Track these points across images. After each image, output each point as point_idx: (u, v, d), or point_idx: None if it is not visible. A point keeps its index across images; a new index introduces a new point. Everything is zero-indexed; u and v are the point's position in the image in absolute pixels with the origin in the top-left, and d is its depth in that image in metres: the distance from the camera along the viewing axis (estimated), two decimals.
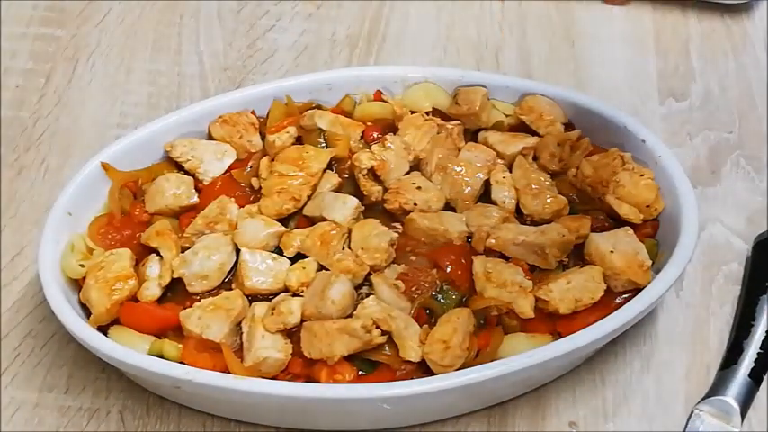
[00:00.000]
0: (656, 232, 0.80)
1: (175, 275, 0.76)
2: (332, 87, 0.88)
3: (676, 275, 0.75)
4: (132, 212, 0.81)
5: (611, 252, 0.76)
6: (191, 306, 0.75)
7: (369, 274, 0.76)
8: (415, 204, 0.79)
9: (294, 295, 0.75)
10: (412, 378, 0.72)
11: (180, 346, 0.73)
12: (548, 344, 0.72)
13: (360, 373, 0.72)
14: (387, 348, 0.72)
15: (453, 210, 0.80)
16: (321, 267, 0.76)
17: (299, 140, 0.84)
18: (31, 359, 0.80)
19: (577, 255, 0.77)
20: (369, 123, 0.86)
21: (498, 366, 0.71)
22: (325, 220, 0.78)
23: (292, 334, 0.73)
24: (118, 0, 1.05)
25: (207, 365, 0.72)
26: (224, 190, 0.81)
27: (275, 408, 0.74)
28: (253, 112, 0.86)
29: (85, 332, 0.73)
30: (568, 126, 0.86)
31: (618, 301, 0.75)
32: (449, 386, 0.70)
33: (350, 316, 0.73)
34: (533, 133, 0.85)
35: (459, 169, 0.81)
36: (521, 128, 0.85)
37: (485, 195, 0.81)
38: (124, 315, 0.75)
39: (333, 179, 0.81)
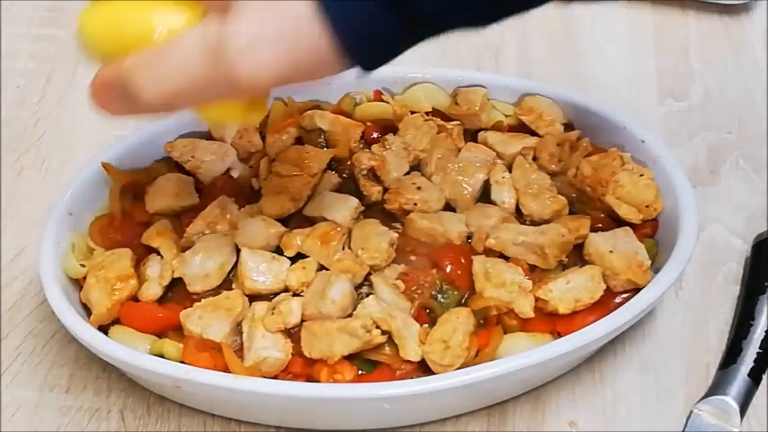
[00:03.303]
0: (655, 232, 0.80)
1: (176, 275, 0.76)
2: (332, 87, 0.88)
3: (675, 275, 0.75)
4: (133, 212, 0.81)
5: (611, 252, 0.76)
6: (191, 306, 0.75)
7: (369, 274, 0.76)
8: (415, 204, 0.79)
9: (294, 295, 0.75)
10: (412, 378, 0.72)
11: (180, 345, 0.73)
12: (547, 343, 0.73)
13: (360, 372, 0.72)
14: (387, 348, 0.73)
15: (453, 210, 0.80)
16: (321, 267, 0.76)
17: (299, 141, 0.84)
18: (32, 359, 0.80)
19: (577, 255, 0.77)
20: (369, 123, 0.86)
21: (498, 366, 0.71)
22: (325, 220, 0.78)
23: (293, 334, 0.73)
24: None
25: (207, 365, 0.72)
26: (224, 190, 0.81)
27: (276, 407, 0.74)
28: None
29: (86, 332, 0.73)
30: (568, 126, 0.86)
31: (617, 300, 0.75)
32: (449, 386, 0.70)
33: (350, 316, 0.73)
34: (533, 133, 0.85)
35: (458, 169, 0.81)
36: (520, 128, 0.86)
37: (484, 195, 0.81)
38: (125, 315, 0.75)
39: (333, 179, 0.81)
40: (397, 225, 0.79)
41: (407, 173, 0.82)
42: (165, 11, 0.63)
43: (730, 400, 0.75)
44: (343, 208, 0.78)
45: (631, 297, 0.75)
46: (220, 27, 0.60)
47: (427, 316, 0.75)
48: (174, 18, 0.63)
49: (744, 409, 0.76)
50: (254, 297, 0.75)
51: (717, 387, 0.77)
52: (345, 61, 0.61)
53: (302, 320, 0.73)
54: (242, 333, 0.74)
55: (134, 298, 0.76)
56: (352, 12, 0.60)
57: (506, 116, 0.87)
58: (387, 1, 0.60)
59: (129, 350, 0.72)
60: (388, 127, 0.85)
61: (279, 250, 0.77)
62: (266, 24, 0.60)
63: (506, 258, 0.77)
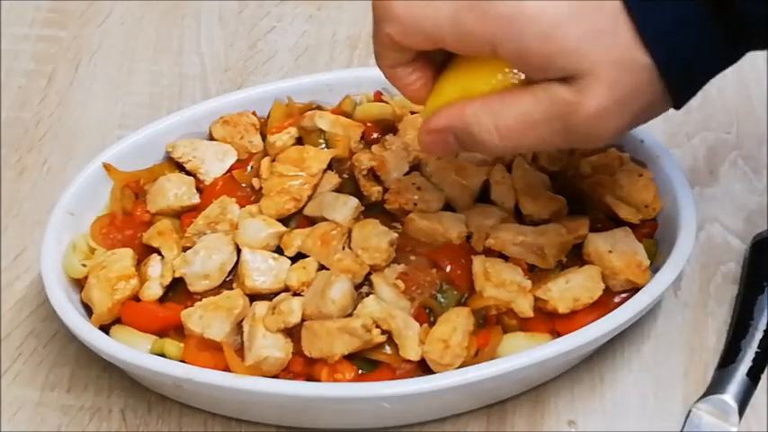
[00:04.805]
0: (654, 232, 0.80)
1: (177, 275, 0.76)
2: (332, 88, 0.88)
3: (674, 275, 0.75)
4: (134, 212, 0.81)
5: (610, 252, 0.76)
6: (192, 305, 0.75)
7: (369, 273, 0.76)
8: (415, 204, 0.79)
9: (295, 295, 0.75)
10: (412, 377, 0.72)
11: (181, 345, 0.74)
12: (546, 343, 0.73)
13: (360, 372, 0.72)
14: (387, 348, 0.73)
15: (453, 210, 0.80)
16: (321, 267, 0.76)
17: (299, 141, 0.85)
18: (34, 358, 0.80)
19: (576, 254, 0.78)
20: (369, 124, 0.86)
21: (497, 365, 0.71)
22: (325, 220, 0.78)
23: (293, 333, 0.73)
24: (120, 1, 1.05)
25: (208, 364, 0.72)
26: (225, 190, 0.82)
27: (276, 406, 0.74)
28: (254, 113, 0.87)
29: (87, 331, 0.73)
30: None
31: (616, 300, 0.75)
32: (448, 385, 0.70)
33: (350, 315, 0.73)
34: None
35: (458, 169, 0.81)
36: None
37: (484, 195, 0.81)
38: (126, 314, 0.75)
39: (333, 179, 0.81)
40: (397, 225, 0.79)
41: (407, 173, 0.82)
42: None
43: (729, 399, 0.76)
44: (344, 208, 0.79)
45: (630, 297, 0.75)
46: (569, 96, 0.62)
47: (427, 315, 0.75)
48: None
49: (742, 408, 0.76)
50: (254, 297, 0.75)
51: (715, 386, 0.77)
52: (668, 100, 0.65)
53: (302, 320, 0.73)
54: (242, 332, 0.74)
55: (135, 297, 0.76)
56: (680, 44, 0.62)
57: None
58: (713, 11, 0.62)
59: (130, 350, 0.72)
60: (388, 127, 0.85)
61: (279, 250, 0.78)
62: (613, 93, 0.62)
63: (506, 258, 0.77)
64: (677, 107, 0.66)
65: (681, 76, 0.64)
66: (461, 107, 0.66)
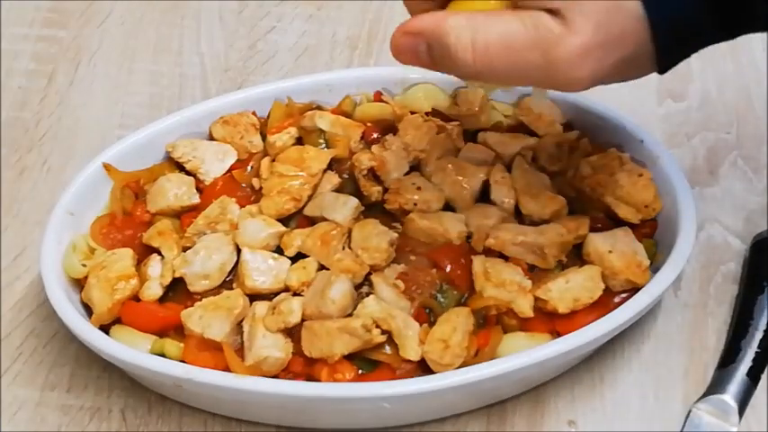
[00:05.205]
0: (654, 232, 0.80)
1: (177, 275, 0.76)
2: (332, 88, 0.88)
3: (674, 275, 0.75)
4: (134, 212, 0.81)
5: (610, 252, 0.76)
6: (192, 305, 0.75)
7: (369, 273, 0.76)
8: (415, 204, 0.79)
9: (295, 295, 0.75)
10: (412, 377, 0.72)
11: (181, 345, 0.74)
12: (546, 343, 0.73)
13: (360, 372, 0.72)
14: (387, 348, 0.73)
15: (453, 210, 0.80)
16: (321, 267, 0.76)
17: (299, 141, 0.85)
18: (34, 358, 0.80)
19: (576, 254, 0.78)
20: (369, 124, 0.86)
21: (497, 365, 0.71)
22: (325, 220, 0.78)
23: (293, 333, 0.73)
24: (120, 1, 1.05)
25: (208, 364, 0.72)
26: (225, 190, 0.82)
27: (276, 406, 0.74)
28: (254, 113, 0.87)
29: (87, 331, 0.73)
30: (567, 126, 0.86)
31: (616, 300, 0.76)
32: (448, 385, 0.71)
33: (350, 315, 0.73)
34: (532, 134, 0.85)
35: (458, 169, 0.81)
36: (520, 128, 0.86)
37: (484, 195, 0.81)
38: (126, 314, 0.75)
39: (333, 179, 0.81)
40: (397, 225, 0.79)
41: (407, 173, 0.82)
42: None
43: (729, 399, 0.76)
44: (344, 208, 0.79)
45: (630, 297, 0.75)
46: (554, 26, 0.61)
47: (427, 315, 0.75)
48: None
49: (742, 408, 0.76)
50: (254, 297, 0.75)
51: (715, 386, 0.77)
52: (653, 60, 0.64)
53: (302, 320, 0.73)
54: (242, 332, 0.74)
55: (135, 298, 0.76)
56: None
57: (506, 116, 0.87)
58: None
59: (130, 350, 0.72)
60: (388, 127, 0.85)
61: (279, 250, 0.78)
62: (598, 33, 0.62)
63: (506, 258, 0.77)
64: (661, 70, 0.65)
65: (671, 33, 0.63)
66: (444, 15, 0.64)
